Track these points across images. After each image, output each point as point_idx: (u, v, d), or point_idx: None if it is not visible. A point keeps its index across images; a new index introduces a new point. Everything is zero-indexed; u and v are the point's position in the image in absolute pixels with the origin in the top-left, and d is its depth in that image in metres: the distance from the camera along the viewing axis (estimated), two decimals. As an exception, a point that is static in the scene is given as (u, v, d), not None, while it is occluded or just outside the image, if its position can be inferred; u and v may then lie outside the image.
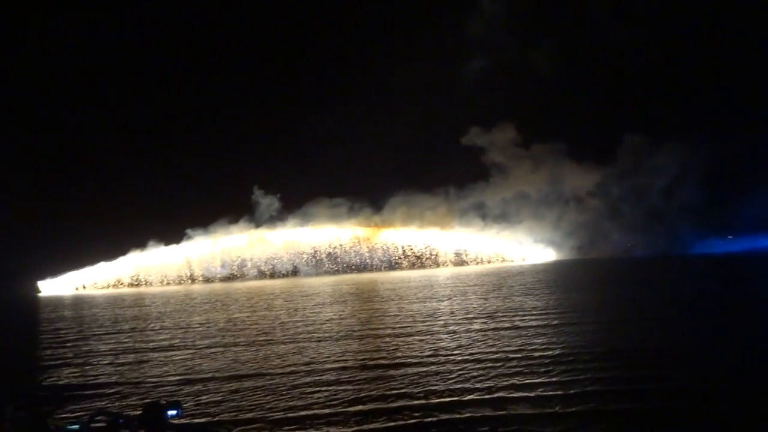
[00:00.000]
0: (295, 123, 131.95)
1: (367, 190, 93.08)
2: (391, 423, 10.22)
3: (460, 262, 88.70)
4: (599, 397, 10.88)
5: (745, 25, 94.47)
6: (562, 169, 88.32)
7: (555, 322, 20.12)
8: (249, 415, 11.10)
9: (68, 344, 22.69)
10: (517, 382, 12.19)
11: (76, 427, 4.67)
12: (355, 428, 10.07)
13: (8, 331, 32.27)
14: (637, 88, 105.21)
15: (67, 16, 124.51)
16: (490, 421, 9.95)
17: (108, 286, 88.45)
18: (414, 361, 15.04)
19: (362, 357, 16.05)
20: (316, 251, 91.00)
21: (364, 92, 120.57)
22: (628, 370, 12.77)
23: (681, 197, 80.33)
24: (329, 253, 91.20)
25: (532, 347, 15.81)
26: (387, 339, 18.82)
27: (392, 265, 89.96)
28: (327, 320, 25.21)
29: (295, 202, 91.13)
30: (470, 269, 74.04)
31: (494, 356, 14.93)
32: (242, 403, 12.00)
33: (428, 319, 23.34)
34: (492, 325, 20.38)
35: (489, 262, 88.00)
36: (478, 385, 12.17)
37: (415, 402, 11.29)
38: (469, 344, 16.85)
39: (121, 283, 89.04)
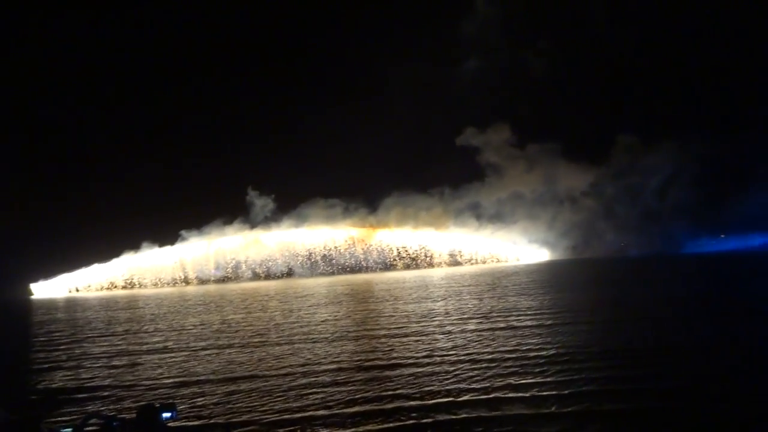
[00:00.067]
0: (290, 123, 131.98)
1: (363, 191, 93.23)
2: (386, 424, 10.20)
3: (455, 262, 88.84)
4: (594, 397, 10.90)
5: (739, 27, 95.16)
6: (556, 169, 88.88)
7: (550, 322, 20.16)
8: (244, 418, 11.05)
9: (61, 347, 22.54)
10: (513, 383, 12.20)
11: (68, 430, 4.63)
12: (351, 430, 10.04)
13: (0, 335, 32.03)
14: (630, 89, 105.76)
15: (56, 16, 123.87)
16: (486, 422, 9.94)
17: (101, 288, 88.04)
18: (409, 361, 15.03)
19: (358, 358, 16.02)
20: (311, 253, 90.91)
21: (359, 93, 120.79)
22: (623, 370, 12.80)
23: (674, 197, 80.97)
24: (324, 255, 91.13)
25: (527, 347, 15.83)
26: (382, 340, 18.79)
27: (387, 266, 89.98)
28: (322, 321, 25.16)
29: (290, 203, 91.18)
30: (465, 269, 74.14)
31: (489, 356, 14.94)
32: (237, 405, 11.95)
33: (423, 319, 23.34)
34: (487, 326, 20.40)
35: (484, 262, 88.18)
36: (473, 386, 12.16)
37: (411, 403, 11.27)
38: (465, 345, 16.86)
39: (115, 285, 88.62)
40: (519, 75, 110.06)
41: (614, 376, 12.38)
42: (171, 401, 4.84)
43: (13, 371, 18.41)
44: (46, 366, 18.31)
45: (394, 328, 21.34)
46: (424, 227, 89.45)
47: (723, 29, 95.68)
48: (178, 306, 41.86)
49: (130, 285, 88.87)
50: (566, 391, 11.30)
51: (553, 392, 11.33)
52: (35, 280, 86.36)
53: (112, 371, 16.72)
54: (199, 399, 12.62)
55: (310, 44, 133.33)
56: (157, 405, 4.91)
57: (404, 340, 18.51)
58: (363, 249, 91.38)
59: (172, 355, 18.73)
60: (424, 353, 16.00)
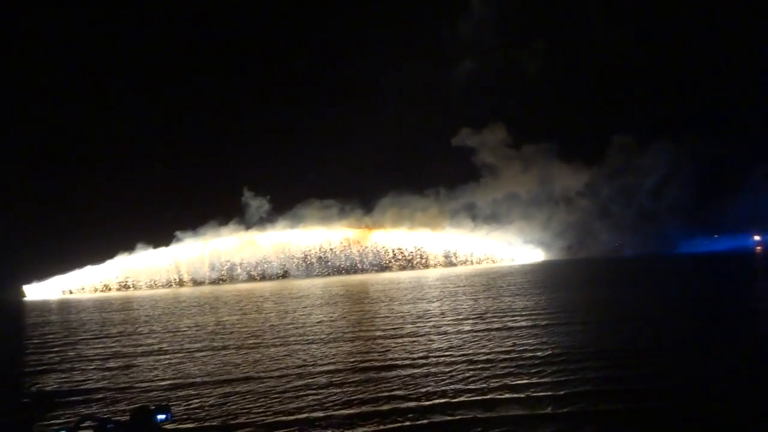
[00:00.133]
0: (285, 124, 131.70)
1: (358, 192, 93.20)
2: (383, 426, 10.18)
3: (450, 263, 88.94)
4: (590, 398, 10.90)
5: (734, 28, 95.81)
6: (551, 170, 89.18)
7: (545, 323, 20.19)
8: (240, 420, 11.00)
9: (55, 349, 22.40)
10: (509, 383, 12.19)
11: (61, 433, 4.59)
12: (347, 431, 10.02)
13: (-7, 337, 31.81)
14: (626, 90, 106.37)
15: (52, 16, 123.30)
16: (482, 423, 9.93)
17: (95, 290, 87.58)
18: (405, 363, 15.01)
19: (353, 359, 15.99)
20: (306, 255, 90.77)
21: (355, 93, 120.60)
22: (618, 371, 12.82)
23: (669, 197, 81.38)
24: (320, 258, 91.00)
25: (523, 348, 15.84)
26: (378, 341, 18.76)
27: (382, 268, 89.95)
28: (317, 322, 25.11)
29: (285, 204, 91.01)
30: (460, 270, 74.20)
31: (485, 357, 14.93)
32: (233, 407, 11.89)
33: (419, 320, 23.32)
34: (482, 326, 20.40)
35: (479, 263, 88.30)
36: (469, 387, 12.15)
37: (407, 404, 11.25)
38: (460, 345, 16.85)
39: (108, 288, 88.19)
40: (514, 75, 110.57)
41: (610, 376, 12.39)
42: (166, 403, 4.79)
43: (5, 374, 18.27)
44: (40, 368, 18.18)
45: (390, 329, 21.31)
46: (420, 228, 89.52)
47: (718, 30, 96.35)
48: (172, 307, 41.69)
49: (124, 286, 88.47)
50: (562, 392, 11.31)
51: (549, 393, 11.33)
52: (28, 281, 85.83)
53: (106, 373, 16.63)
54: (194, 401, 12.55)
55: (306, 45, 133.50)
56: (152, 407, 4.88)
57: (400, 341, 18.48)
58: (358, 250, 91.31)
59: (167, 357, 18.64)
60: (420, 354, 15.98)
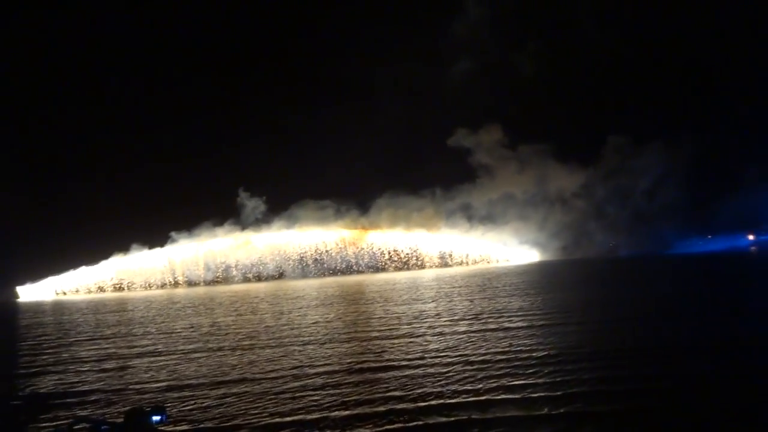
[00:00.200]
0: (281, 124, 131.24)
1: (354, 192, 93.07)
2: (379, 427, 10.15)
3: (445, 264, 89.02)
4: (586, 399, 10.91)
5: (728, 28, 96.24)
6: (547, 170, 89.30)
7: (541, 323, 20.21)
8: (235, 421, 10.96)
9: (48, 351, 22.27)
10: (505, 384, 12.19)
11: (54, 435, 4.56)
12: (343, 433, 9.99)
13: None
14: (621, 90, 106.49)
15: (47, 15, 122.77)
16: (478, 424, 9.92)
17: (89, 291, 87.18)
18: (401, 364, 14.99)
19: (349, 360, 15.96)
20: (302, 257, 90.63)
21: (350, 94, 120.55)
22: (614, 371, 12.83)
23: (663, 198, 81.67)
24: (316, 260, 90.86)
25: (519, 348, 15.85)
26: (374, 342, 18.74)
27: (378, 269, 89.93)
28: (313, 323, 25.06)
29: (281, 205, 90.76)
30: (455, 271, 74.27)
31: (481, 358, 14.93)
32: (228, 408, 11.84)
33: (414, 321, 23.31)
34: (478, 327, 20.41)
35: (475, 263, 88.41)
36: (465, 388, 12.14)
37: (403, 405, 11.23)
38: (456, 346, 16.84)
39: (102, 289, 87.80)
40: (510, 76, 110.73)
41: (605, 377, 12.40)
42: (161, 404, 4.77)
43: (-1, 376, 18.14)
44: (33, 370, 18.07)
45: (386, 329, 21.29)
46: (416, 228, 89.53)
47: (712, 31, 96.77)
48: (167, 309, 41.54)
49: (118, 288, 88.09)
50: (558, 393, 11.31)
51: (545, 394, 11.33)
52: (22, 283, 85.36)
53: (100, 375, 16.54)
54: (189, 402, 12.49)
55: (302, 45, 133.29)
56: (147, 408, 4.84)
57: (396, 342, 18.47)
58: (354, 252, 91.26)
59: (162, 358, 18.56)
60: (416, 355, 15.97)
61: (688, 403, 10.57)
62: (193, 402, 12.53)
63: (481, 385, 12.22)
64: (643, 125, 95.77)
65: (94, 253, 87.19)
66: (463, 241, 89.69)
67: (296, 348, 18.55)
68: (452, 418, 10.32)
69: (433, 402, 11.30)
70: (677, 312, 22.05)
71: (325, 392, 12.55)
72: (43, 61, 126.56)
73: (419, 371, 13.94)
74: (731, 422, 9.58)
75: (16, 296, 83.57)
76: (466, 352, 15.81)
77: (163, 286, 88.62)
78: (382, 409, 11.09)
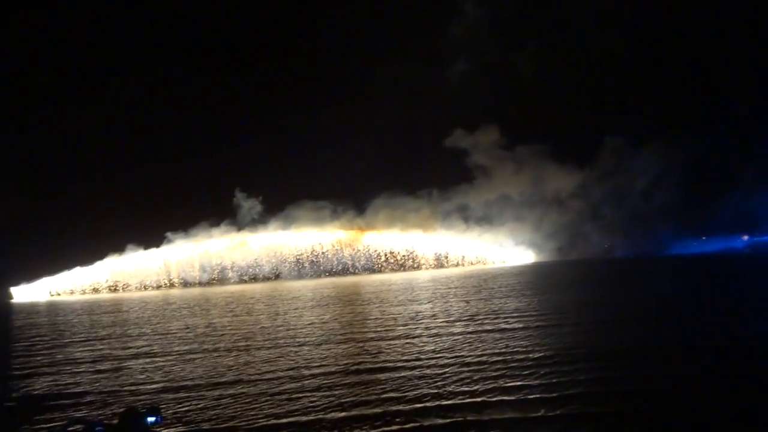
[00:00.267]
0: (277, 124, 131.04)
1: (351, 193, 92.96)
2: (374, 429, 10.13)
3: (441, 265, 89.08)
4: (583, 400, 10.91)
5: (725, 29, 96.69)
6: (544, 171, 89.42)
7: (537, 324, 20.23)
8: (230, 423, 10.93)
9: (43, 352, 22.16)
10: (501, 386, 12.19)
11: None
12: (339, 434, 9.97)
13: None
14: (617, 91, 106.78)
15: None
16: (474, 426, 9.92)
17: (84, 292, 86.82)
18: (397, 365, 14.97)
19: (344, 362, 15.93)
20: (298, 258, 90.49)
21: (347, 94, 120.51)
22: (610, 372, 12.85)
23: (659, 199, 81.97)
24: (312, 261, 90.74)
25: (515, 350, 15.86)
26: (370, 343, 18.72)
27: (374, 270, 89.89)
28: (308, 324, 25.02)
29: (277, 205, 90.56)
30: (451, 271, 74.29)
31: (477, 359, 14.93)
32: (223, 410, 11.80)
33: (410, 322, 23.30)
34: (474, 328, 20.41)
35: (471, 264, 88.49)
36: (461, 389, 12.14)
37: (399, 407, 11.21)
38: (452, 347, 16.84)
39: (97, 290, 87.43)
40: (507, 77, 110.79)
41: (602, 377, 12.42)
42: (156, 406, 4.75)
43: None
44: (27, 371, 17.96)
45: (382, 331, 21.28)
46: (412, 229, 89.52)
47: (709, 32, 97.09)
48: (162, 309, 41.41)
49: (113, 288, 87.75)
50: (554, 394, 11.31)
51: (541, 395, 11.33)
52: (16, 283, 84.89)
53: (95, 376, 16.46)
54: (184, 404, 12.45)
55: (299, 45, 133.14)
56: (142, 409, 4.82)
57: (392, 343, 18.45)
58: (350, 253, 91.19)
59: (157, 359, 18.49)
60: (412, 356, 15.96)
61: (685, 404, 10.58)
62: (188, 403, 12.49)
63: (477, 387, 12.22)
64: (639, 126, 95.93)
65: (88, 254, 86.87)
66: (459, 242, 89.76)
67: (292, 349, 18.51)
68: (448, 420, 10.31)
69: (429, 403, 11.29)
70: (673, 313, 22.11)
71: (321, 393, 12.52)
72: (42, 61, 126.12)
73: (415, 372, 13.93)
74: (728, 423, 9.60)
75: (10, 297, 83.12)
76: (462, 354, 15.81)
77: (158, 287, 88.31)
78: (378, 410, 11.07)
